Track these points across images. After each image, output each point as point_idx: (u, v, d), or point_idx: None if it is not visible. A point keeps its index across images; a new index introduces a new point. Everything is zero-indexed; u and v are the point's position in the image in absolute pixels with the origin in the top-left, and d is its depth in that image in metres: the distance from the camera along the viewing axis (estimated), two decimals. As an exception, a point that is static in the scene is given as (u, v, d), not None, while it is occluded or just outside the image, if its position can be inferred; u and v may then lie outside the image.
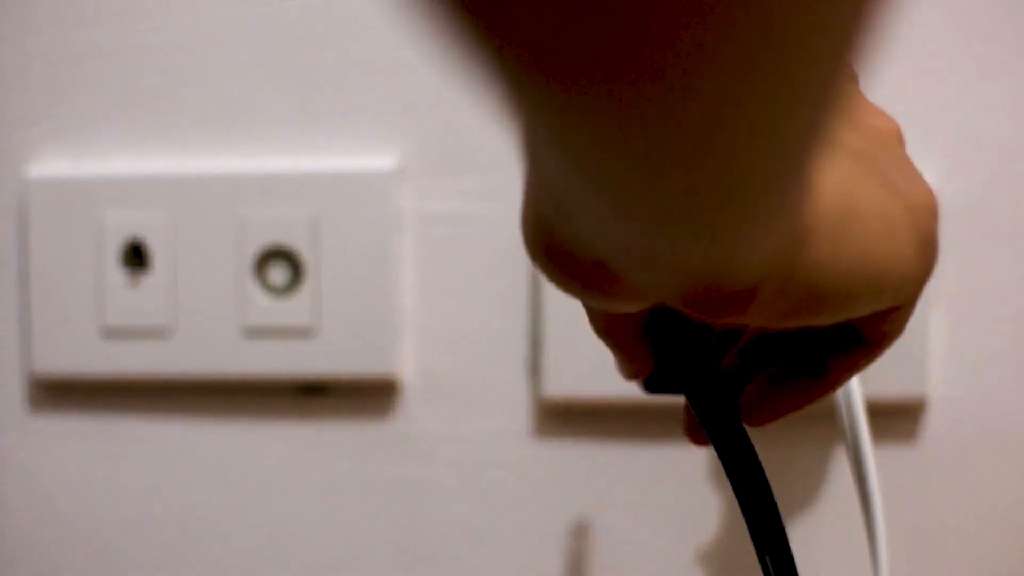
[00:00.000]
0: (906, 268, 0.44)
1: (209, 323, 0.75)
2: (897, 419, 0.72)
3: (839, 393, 0.63)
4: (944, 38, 0.72)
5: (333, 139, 0.75)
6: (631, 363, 0.50)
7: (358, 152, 0.75)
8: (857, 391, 0.63)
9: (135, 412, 0.77)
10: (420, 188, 0.75)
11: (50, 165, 0.77)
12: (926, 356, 0.71)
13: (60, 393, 0.77)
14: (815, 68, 0.29)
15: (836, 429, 0.69)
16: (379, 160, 0.74)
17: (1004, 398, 0.72)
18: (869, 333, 0.48)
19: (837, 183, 0.41)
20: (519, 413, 0.75)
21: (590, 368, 0.72)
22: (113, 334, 0.76)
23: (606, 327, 0.49)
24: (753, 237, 0.36)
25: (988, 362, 0.72)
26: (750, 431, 0.51)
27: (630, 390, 0.73)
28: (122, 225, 0.75)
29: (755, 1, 0.25)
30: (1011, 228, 0.72)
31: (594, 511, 0.74)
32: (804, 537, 0.73)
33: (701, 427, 0.49)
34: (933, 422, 0.72)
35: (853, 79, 0.44)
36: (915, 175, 0.46)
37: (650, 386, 0.50)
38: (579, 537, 0.74)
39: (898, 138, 0.47)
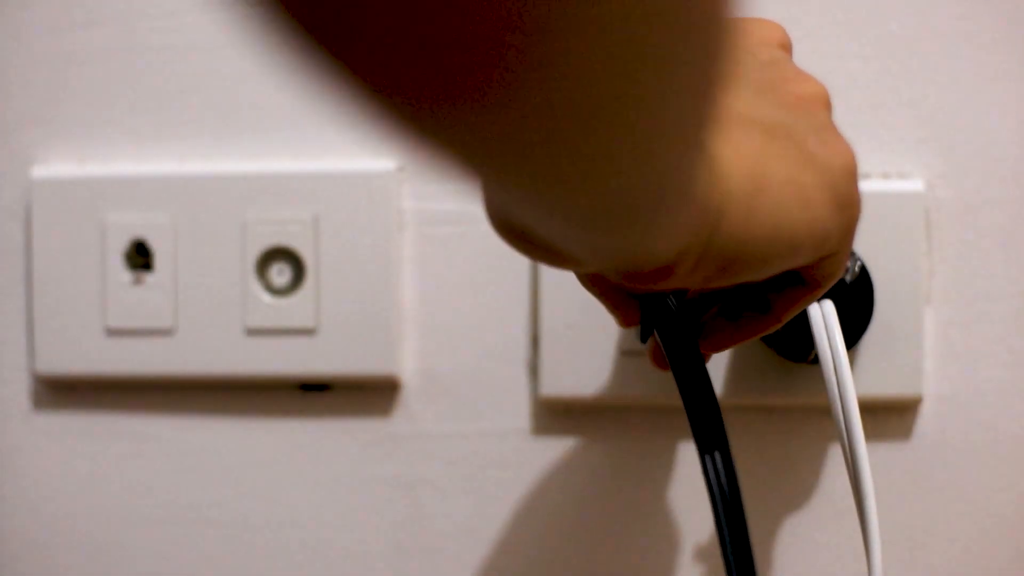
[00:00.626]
0: (823, 228, 0.49)
1: (211, 322, 0.75)
2: (891, 417, 0.72)
3: (833, 391, 0.63)
4: (941, 40, 0.72)
5: (334, 140, 0.75)
6: (617, 310, 0.55)
7: (359, 152, 0.75)
8: (851, 389, 0.63)
9: (138, 411, 0.77)
10: (420, 188, 0.75)
11: (54, 166, 0.77)
12: (920, 355, 0.71)
13: (64, 392, 0.78)
14: (662, 81, 0.32)
15: (830, 427, 0.69)
16: (380, 160, 0.75)
17: (998, 396, 0.72)
18: (806, 277, 0.53)
19: (747, 161, 0.45)
20: (519, 413, 0.75)
21: (590, 368, 0.73)
22: (116, 333, 0.76)
23: (589, 279, 0.54)
24: (659, 227, 0.41)
25: (982, 361, 0.72)
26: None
27: (630, 390, 0.74)
28: (125, 225, 0.76)
29: (564, 37, 0.28)
30: (1004, 228, 0.72)
31: (594, 511, 0.74)
32: (798, 534, 0.73)
33: (664, 353, 0.55)
34: (927, 420, 0.73)
35: (755, 63, 0.49)
36: (834, 139, 0.50)
37: (643, 334, 0.55)
38: (578, 537, 0.75)
39: (823, 102, 0.51)
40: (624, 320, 0.56)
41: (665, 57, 0.31)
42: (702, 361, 0.55)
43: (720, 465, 0.54)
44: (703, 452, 0.54)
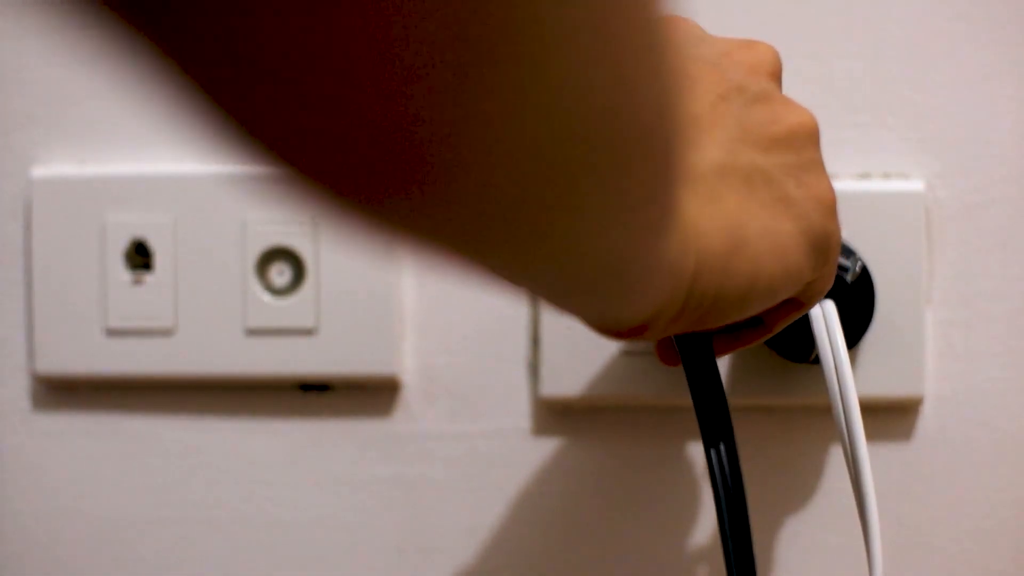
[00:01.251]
0: (799, 271, 0.50)
1: (212, 322, 0.75)
2: (892, 417, 0.73)
3: (834, 391, 0.63)
4: (941, 40, 0.72)
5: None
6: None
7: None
8: (852, 389, 0.63)
9: (139, 411, 0.77)
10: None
11: (54, 165, 0.77)
12: (921, 355, 0.71)
13: (64, 392, 0.78)
14: (601, 170, 0.33)
15: (831, 427, 0.69)
16: (380, 161, 0.75)
17: (998, 396, 0.72)
18: (794, 298, 0.54)
19: (724, 219, 0.46)
20: (519, 412, 0.75)
21: (590, 368, 0.73)
22: (116, 333, 0.76)
23: None
24: (627, 296, 0.42)
25: (982, 361, 0.72)
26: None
27: (630, 390, 0.74)
28: (125, 225, 0.76)
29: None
30: (1004, 228, 0.72)
31: (594, 511, 0.74)
32: (799, 534, 0.73)
33: (671, 350, 0.58)
34: (928, 420, 0.73)
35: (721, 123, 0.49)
36: (815, 178, 0.51)
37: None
38: (578, 537, 0.75)
39: (809, 136, 0.51)
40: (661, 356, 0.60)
41: (602, 146, 0.31)
42: (713, 357, 0.56)
43: (725, 458, 0.55)
44: (708, 445, 0.54)
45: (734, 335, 0.59)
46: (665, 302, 0.45)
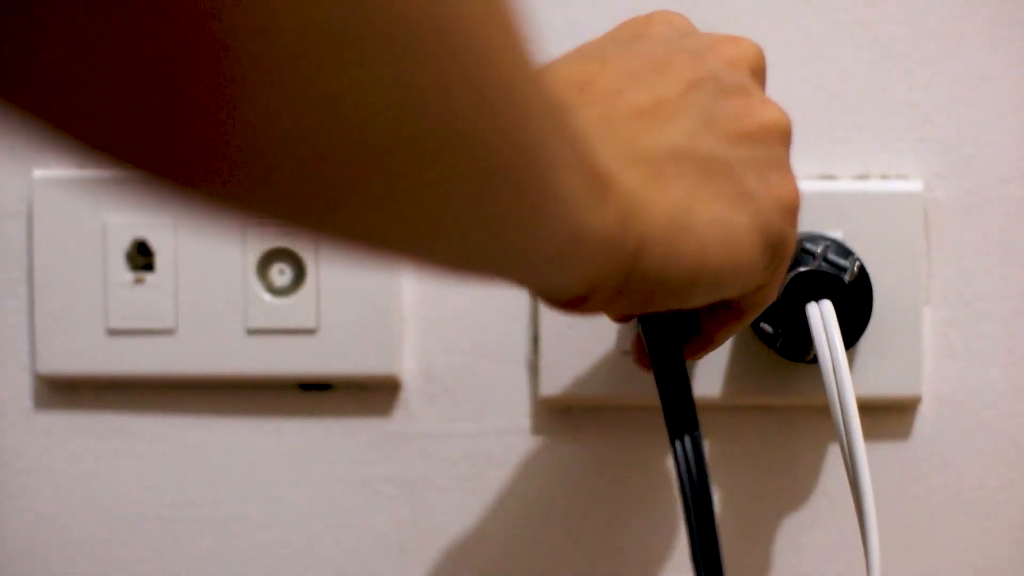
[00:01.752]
0: (750, 267, 0.50)
1: (213, 322, 0.75)
2: (890, 417, 0.73)
3: (832, 391, 0.63)
4: (940, 40, 0.72)
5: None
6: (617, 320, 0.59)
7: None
8: (850, 389, 0.63)
9: (140, 410, 0.77)
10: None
11: (55, 166, 0.77)
12: (919, 355, 0.71)
13: (65, 392, 0.78)
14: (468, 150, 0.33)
15: (829, 426, 0.70)
16: (380, 161, 0.75)
17: (997, 396, 0.72)
18: (733, 304, 0.55)
19: (672, 202, 0.47)
20: (519, 412, 0.75)
21: (590, 368, 0.73)
22: (118, 333, 0.76)
23: None
24: (558, 266, 0.43)
25: (981, 361, 0.72)
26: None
27: (630, 390, 0.74)
28: (127, 225, 0.76)
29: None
30: (1003, 228, 0.72)
31: (594, 511, 0.75)
32: (796, 533, 0.73)
33: (647, 355, 0.58)
34: (925, 420, 0.73)
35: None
36: (779, 176, 0.51)
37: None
38: (578, 536, 0.75)
39: (780, 134, 0.51)
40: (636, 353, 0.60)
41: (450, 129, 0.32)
42: (679, 352, 0.57)
43: (690, 450, 0.55)
44: (673, 438, 0.55)
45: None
46: (603, 274, 0.46)
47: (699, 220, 0.48)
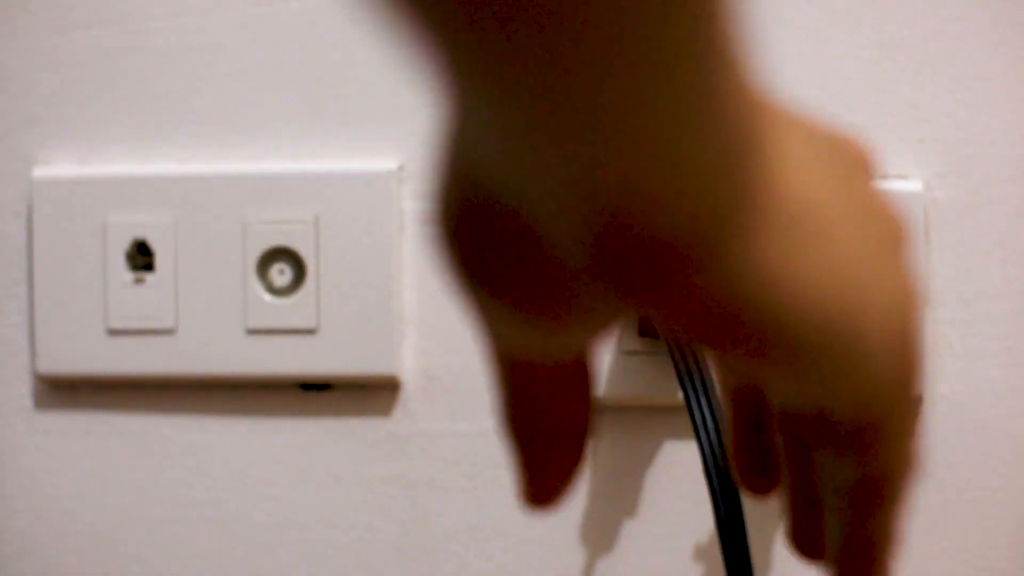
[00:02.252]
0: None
1: (212, 322, 0.75)
2: (890, 417, 0.73)
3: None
4: (940, 40, 0.72)
5: (335, 140, 0.76)
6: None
7: (359, 153, 0.75)
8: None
9: (140, 410, 0.78)
10: (420, 188, 0.75)
11: (55, 166, 0.77)
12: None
13: (65, 392, 0.78)
14: None
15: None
16: (380, 161, 0.75)
17: (997, 396, 0.72)
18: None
19: (753, 274, 0.34)
20: (519, 412, 0.75)
21: (590, 368, 0.73)
22: (118, 333, 0.76)
23: None
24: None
25: (981, 360, 0.72)
26: None
27: (630, 390, 0.74)
28: (127, 225, 0.76)
29: None
30: (1003, 228, 0.72)
31: (593, 510, 0.75)
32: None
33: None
34: (929, 420, 0.73)
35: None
36: (874, 214, 0.38)
37: None
38: (579, 536, 0.75)
39: (862, 167, 0.39)
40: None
41: None
42: None
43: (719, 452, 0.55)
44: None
45: None
46: None
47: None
